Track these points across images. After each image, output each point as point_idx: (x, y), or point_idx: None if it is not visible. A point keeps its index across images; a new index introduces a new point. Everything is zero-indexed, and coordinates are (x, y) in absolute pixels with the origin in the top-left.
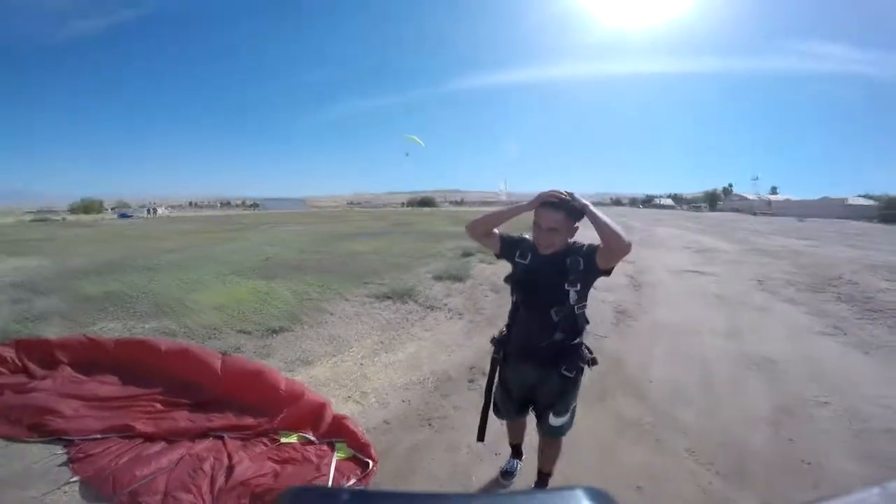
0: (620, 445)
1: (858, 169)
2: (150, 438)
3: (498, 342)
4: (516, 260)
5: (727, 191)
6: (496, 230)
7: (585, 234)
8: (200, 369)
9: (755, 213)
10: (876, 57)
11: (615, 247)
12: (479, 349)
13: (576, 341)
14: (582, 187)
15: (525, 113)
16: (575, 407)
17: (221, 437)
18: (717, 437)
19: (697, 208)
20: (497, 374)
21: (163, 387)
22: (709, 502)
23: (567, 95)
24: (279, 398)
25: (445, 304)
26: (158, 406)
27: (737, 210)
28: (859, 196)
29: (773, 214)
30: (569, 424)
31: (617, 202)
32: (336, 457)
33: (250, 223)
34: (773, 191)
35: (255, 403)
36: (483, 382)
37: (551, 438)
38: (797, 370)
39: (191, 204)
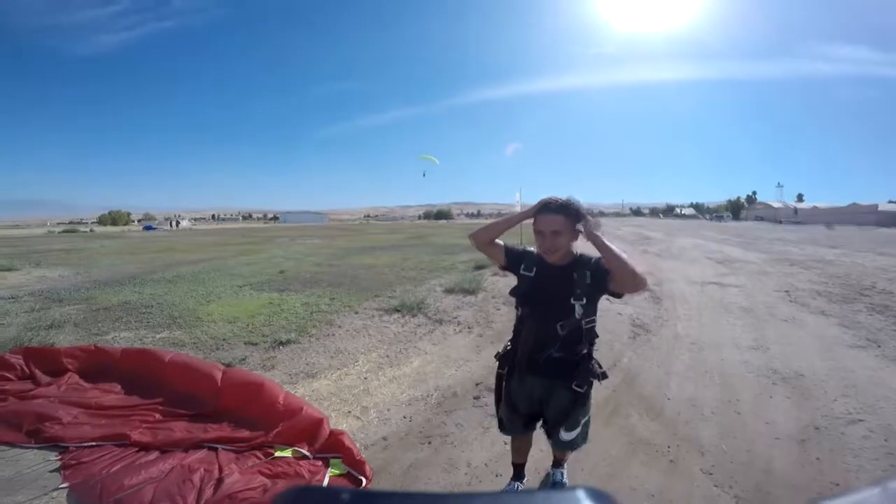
0: (632, 466)
1: (888, 173)
2: (144, 448)
3: (502, 357)
4: (521, 272)
5: (751, 199)
6: (500, 241)
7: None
8: (200, 380)
9: (780, 222)
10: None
11: (630, 285)
12: (487, 365)
13: (582, 355)
14: (600, 198)
15: (541, 124)
16: (588, 421)
17: (215, 449)
18: (738, 457)
19: (720, 217)
20: (503, 389)
21: (164, 397)
22: None
23: (583, 105)
24: (277, 412)
25: (455, 318)
26: (157, 416)
27: (761, 218)
28: (891, 202)
29: (799, 222)
30: (582, 438)
31: (637, 212)
32: (329, 473)
33: (269, 236)
34: (800, 198)
35: (252, 416)
36: (489, 399)
37: (564, 452)
38: (828, 385)
39: (213, 217)
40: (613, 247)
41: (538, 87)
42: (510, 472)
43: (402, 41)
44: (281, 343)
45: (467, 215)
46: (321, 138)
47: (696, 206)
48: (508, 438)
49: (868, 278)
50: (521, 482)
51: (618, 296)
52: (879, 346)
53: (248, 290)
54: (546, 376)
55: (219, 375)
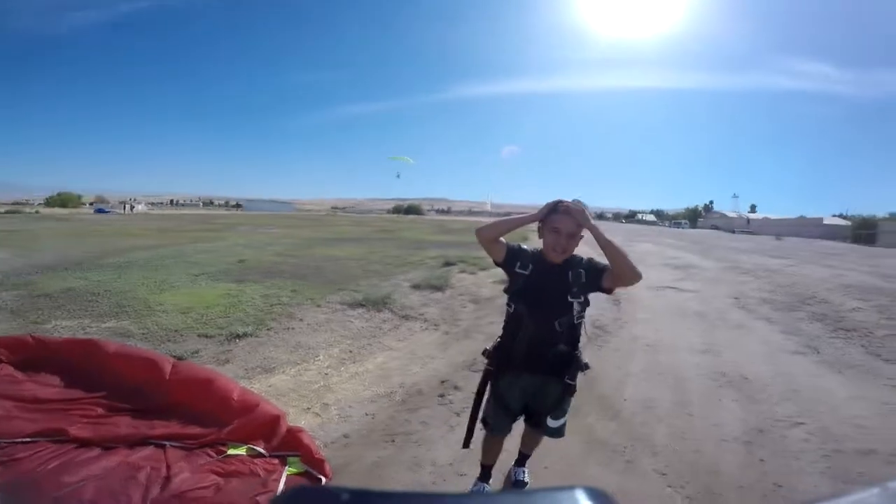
0: (589, 467)
1: (835, 188)
2: (85, 444)
3: (492, 354)
4: (517, 270)
5: (708, 208)
6: (503, 238)
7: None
8: (147, 374)
9: (734, 231)
10: (855, 77)
11: (629, 279)
12: (453, 362)
13: (576, 351)
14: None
15: (512, 125)
16: (569, 407)
17: (163, 446)
18: (689, 458)
19: (678, 224)
20: (490, 387)
21: (107, 391)
22: None
23: (551, 109)
24: (231, 408)
25: (422, 314)
26: (100, 411)
27: (716, 227)
28: (835, 216)
29: (751, 232)
30: (565, 424)
31: (601, 216)
32: (287, 472)
33: (231, 224)
34: (752, 209)
35: (204, 412)
36: (455, 397)
37: (553, 438)
38: (771, 389)
39: (172, 202)
40: (613, 241)
41: (513, 88)
42: (475, 471)
43: (382, 34)
44: (237, 336)
45: (437, 211)
46: (290, 127)
47: (657, 213)
48: (474, 438)
49: (810, 288)
50: (488, 483)
51: (609, 291)
52: (818, 353)
53: (205, 280)
54: (544, 373)
55: (168, 368)
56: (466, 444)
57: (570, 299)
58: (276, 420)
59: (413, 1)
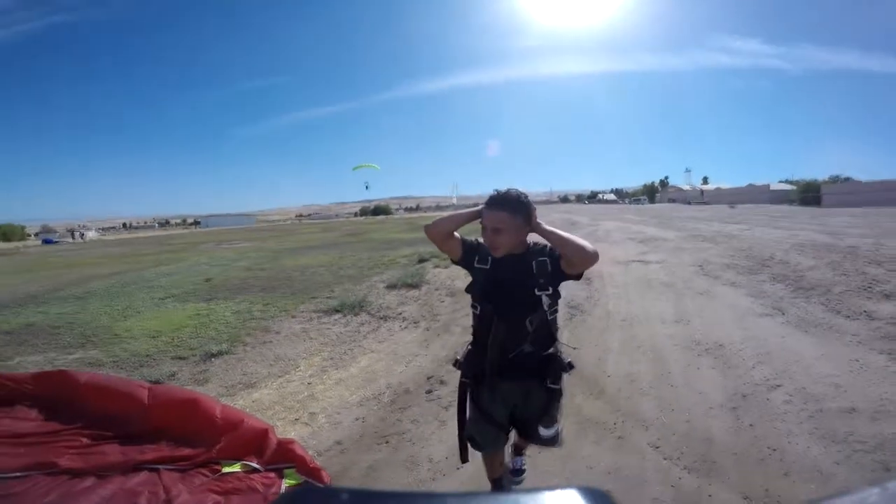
0: (583, 446)
1: (779, 156)
2: (77, 474)
3: (463, 364)
4: (476, 266)
5: (664, 183)
6: (457, 234)
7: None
8: (124, 400)
9: (689, 203)
10: (785, 52)
11: (579, 260)
12: (437, 357)
13: (552, 349)
14: (530, 186)
15: (472, 115)
16: (561, 412)
17: (157, 470)
18: (680, 429)
19: (638, 201)
20: (469, 401)
21: (86, 420)
22: (684, 500)
23: (510, 97)
24: (216, 426)
25: (400, 314)
26: (85, 440)
27: (673, 201)
28: (781, 182)
29: (706, 203)
30: (560, 432)
31: (564, 199)
32: (285, 484)
33: (191, 242)
34: (705, 181)
35: (189, 433)
36: (443, 391)
37: (548, 447)
38: (746, 353)
39: (125, 225)
40: (555, 230)
41: (467, 79)
42: (472, 465)
43: (329, 36)
44: (212, 355)
45: (406, 210)
46: (243, 136)
47: (617, 192)
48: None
49: (767, 250)
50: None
51: (577, 277)
52: (783, 314)
53: (171, 302)
54: (520, 378)
55: (145, 394)
56: (464, 459)
57: (537, 293)
58: (264, 434)
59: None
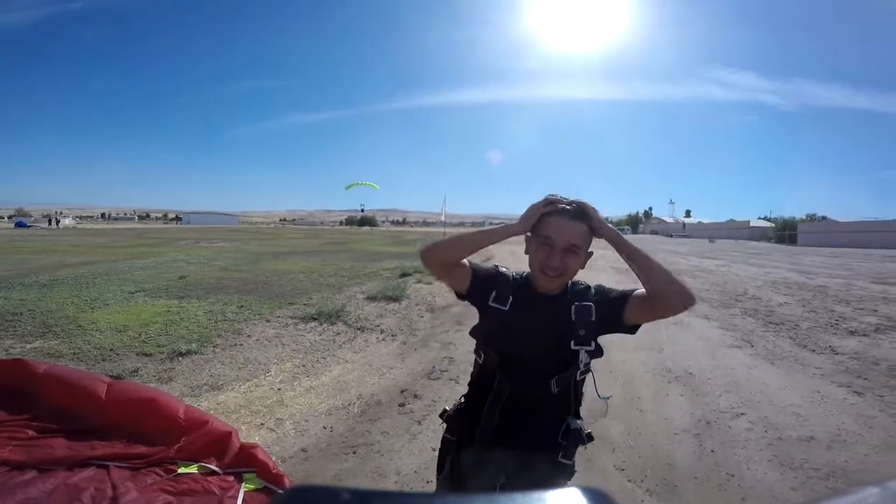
0: None
1: (760, 192)
2: (17, 467)
3: (453, 419)
4: (490, 304)
5: (647, 214)
6: (466, 261)
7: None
8: (81, 394)
9: (671, 235)
10: (778, 87)
11: (674, 303)
12: (412, 371)
13: (574, 417)
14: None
15: (463, 135)
16: None
17: (106, 467)
18: (645, 452)
19: (622, 230)
20: (447, 460)
21: (38, 412)
22: None
23: (502, 120)
24: (177, 426)
25: (378, 325)
26: (30, 433)
27: (655, 232)
28: (760, 218)
29: (687, 236)
30: None
31: None
32: (244, 488)
33: (169, 238)
34: (688, 214)
35: (148, 432)
36: (416, 405)
37: None
38: (714, 383)
39: (103, 216)
40: (647, 252)
41: (462, 97)
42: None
43: (330, 42)
44: (180, 354)
45: (392, 222)
46: (234, 136)
47: None
48: (437, 445)
49: (741, 286)
50: None
51: (634, 330)
52: (752, 346)
53: (142, 297)
54: (522, 448)
55: (103, 388)
56: None
57: (574, 346)
58: (227, 436)
59: (361, 10)
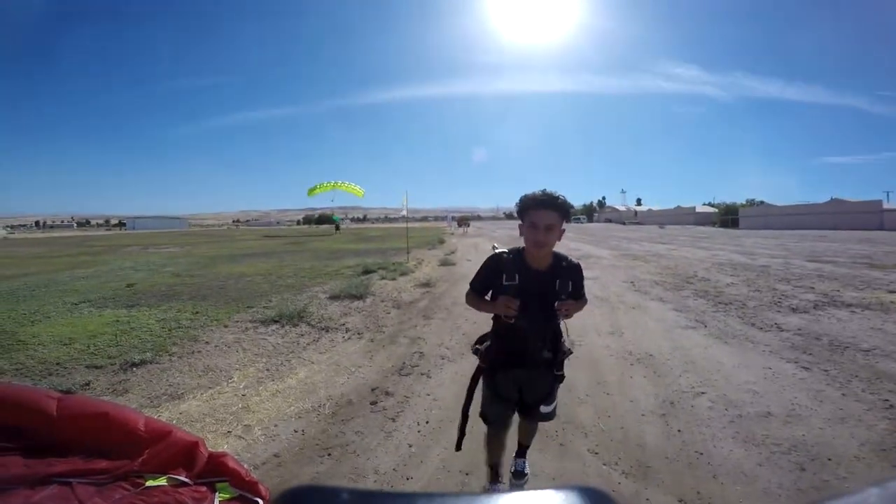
0: (530, 453)
1: (705, 179)
2: None
3: (484, 354)
4: (504, 283)
5: (601, 203)
6: (480, 285)
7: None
8: (28, 411)
9: (624, 223)
10: (719, 79)
11: None
12: (382, 369)
13: (561, 346)
14: (477, 203)
15: (424, 129)
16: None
17: (69, 484)
18: (616, 435)
19: (578, 220)
20: (483, 385)
21: None
22: None
23: (457, 114)
24: (138, 439)
25: (343, 325)
26: None
27: (609, 220)
28: (705, 204)
29: (639, 223)
30: (556, 407)
31: (510, 216)
32: (218, 498)
33: (113, 245)
34: (639, 202)
35: (107, 446)
36: (388, 403)
37: (544, 421)
38: (673, 364)
39: (38, 224)
40: (580, 305)
41: (416, 92)
42: (420, 475)
43: (279, 38)
44: (134, 364)
45: (353, 220)
46: (176, 135)
47: None
48: (413, 441)
49: (691, 268)
50: (500, 482)
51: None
52: (706, 326)
53: (87, 308)
54: (530, 367)
55: (53, 404)
56: (459, 447)
57: (557, 306)
58: (193, 446)
59: (310, 5)
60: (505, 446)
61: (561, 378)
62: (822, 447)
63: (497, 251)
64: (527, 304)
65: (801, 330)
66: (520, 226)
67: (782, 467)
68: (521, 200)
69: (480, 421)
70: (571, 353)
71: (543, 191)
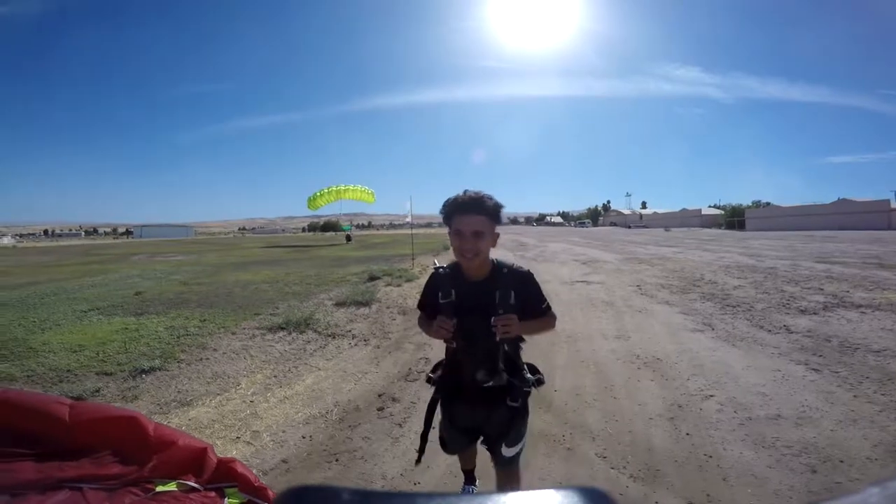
0: (535, 459)
1: (710, 181)
2: None
3: (437, 382)
4: (441, 302)
5: (606, 207)
6: (422, 304)
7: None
8: (41, 417)
9: (629, 226)
10: (719, 80)
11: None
12: (388, 375)
13: (517, 372)
14: None
15: (423, 135)
16: (525, 433)
17: (80, 489)
18: (624, 439)
19: (583, 224)
20: (440, 409)
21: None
22: None
23: (461, 119)
24: (149, 444)
25: (349, 331)
26: None
27: (614, 224)
28: (710, 206)
29: (644, 226)
30: (521, 452)
31: (514, 221)
32: (227, 503)
33: (121, 253)
34: (644, 205)
35: (118, 452)
36: (395, 409)
37: (508, 469)
38: (680, 367)
39: (46, 233)
40: (537, 324)
41: (419, 98)
42: (427, 480)
43: (284, 43)
44: (143, 371)
45: (357, 227)
46: (183, 143)
47: (564, 215)
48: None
49: (698, 271)
50: (474, 485)
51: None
52: (713, 329)
53: (96, 315)
54: (484, 399)
55: (65, 410)
56: (419, 461)
57: (493, 322)
58: (202, 452)
59: (316, 11)
60: (475, 454)
61: (520, 413)
62: (833, 449)
63: (436, 267)
64: (463, 323)
65: (810, 332)
66: (449, 233)
67: (793, 469)
68: (444, 206)
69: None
70: (541, 383)
71: (466, 192)
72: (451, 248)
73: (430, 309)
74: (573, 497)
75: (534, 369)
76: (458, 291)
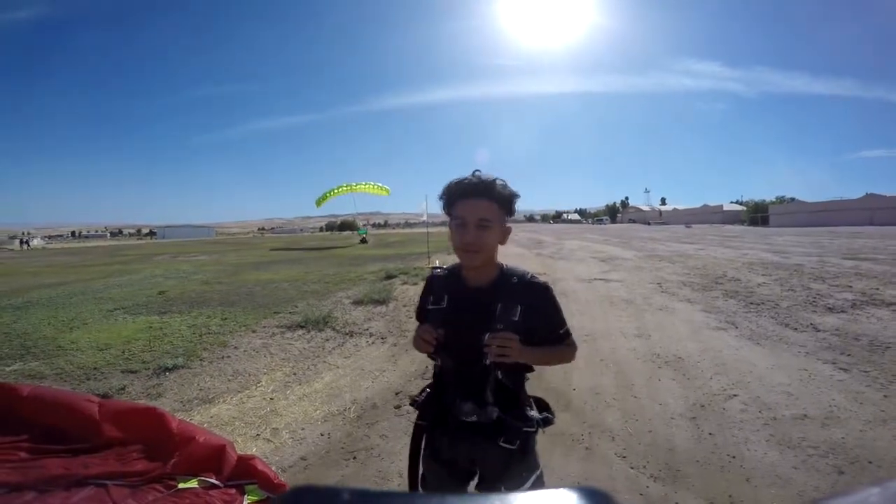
0: (553, 459)
1: (731, 176)
2: (16, 489)
3: (421, 406)
4: (430, 308)
5: (625, 204)
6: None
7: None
8: (72, 414)
9: (648, 223)
10: (741, 75)
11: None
12: (405, 373)
13: (517, 407)
14: None
15: (441, 134)
16: (540, 475)
17: (104, 486)
18: (644, 438)
19: (601, 221)
20: (424, 443)
21: (28, 434)
22: None
23: (478, 117)
24: (171, 441)
25: (367, 329)
26: (23, 454)
27: (633, 221)
28: (732, 202)
29: (663, 223)
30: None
31: (530, 219)
32: (247, 500)
33: (145, 254)
34: (663, 201)
35: (142, 448)
36: (412, 407)
37: None
38: (703, 365)
39: (73, 234)
40: (548, 353)
41: (436, 96)
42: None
43: (298, 44)
44: (167, 369)
45: (374, 226)
46: (204, 144)
47: (581, 212)
48: None
49: (720, 268)
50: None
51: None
52: (736, 328)
53: (121, 314)
54: (473, 435)
55: (94, 408)
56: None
57: (486, 340)
58: (222, 449)
59: (332, 12)
60: None
61: (518, 454)
62: (861, 449)
63: (433, 268)
64: (450, 336)
65: (838, 330)
66: (449, 226)
67: (819, 470)
68: (444, 190)
69: None
70: (549, 422)
71: (475, 173)
72: (451, 244)
73: (422, 313)
74: (573, 497)
75: (542, 405)
76: (452, 297)
